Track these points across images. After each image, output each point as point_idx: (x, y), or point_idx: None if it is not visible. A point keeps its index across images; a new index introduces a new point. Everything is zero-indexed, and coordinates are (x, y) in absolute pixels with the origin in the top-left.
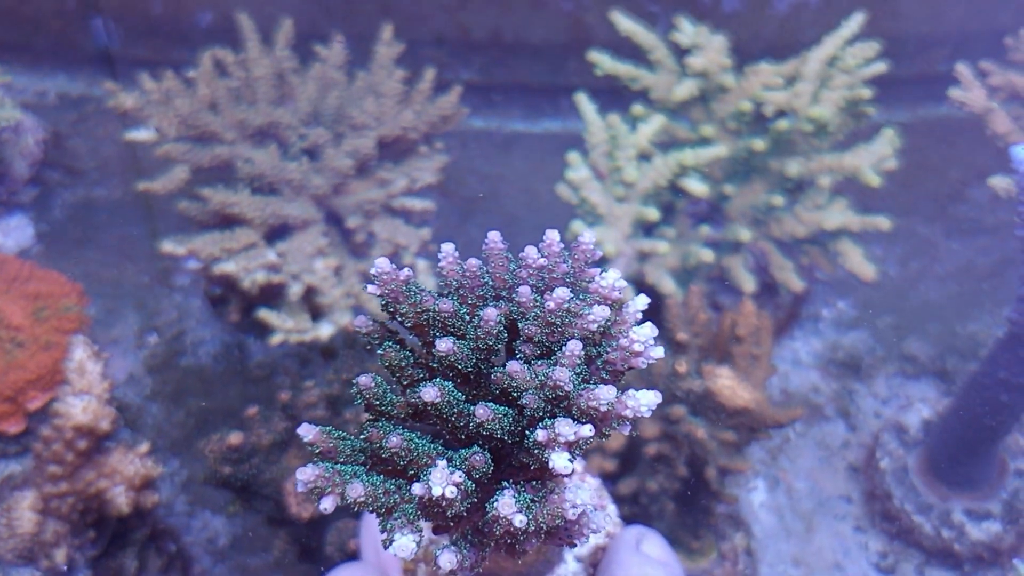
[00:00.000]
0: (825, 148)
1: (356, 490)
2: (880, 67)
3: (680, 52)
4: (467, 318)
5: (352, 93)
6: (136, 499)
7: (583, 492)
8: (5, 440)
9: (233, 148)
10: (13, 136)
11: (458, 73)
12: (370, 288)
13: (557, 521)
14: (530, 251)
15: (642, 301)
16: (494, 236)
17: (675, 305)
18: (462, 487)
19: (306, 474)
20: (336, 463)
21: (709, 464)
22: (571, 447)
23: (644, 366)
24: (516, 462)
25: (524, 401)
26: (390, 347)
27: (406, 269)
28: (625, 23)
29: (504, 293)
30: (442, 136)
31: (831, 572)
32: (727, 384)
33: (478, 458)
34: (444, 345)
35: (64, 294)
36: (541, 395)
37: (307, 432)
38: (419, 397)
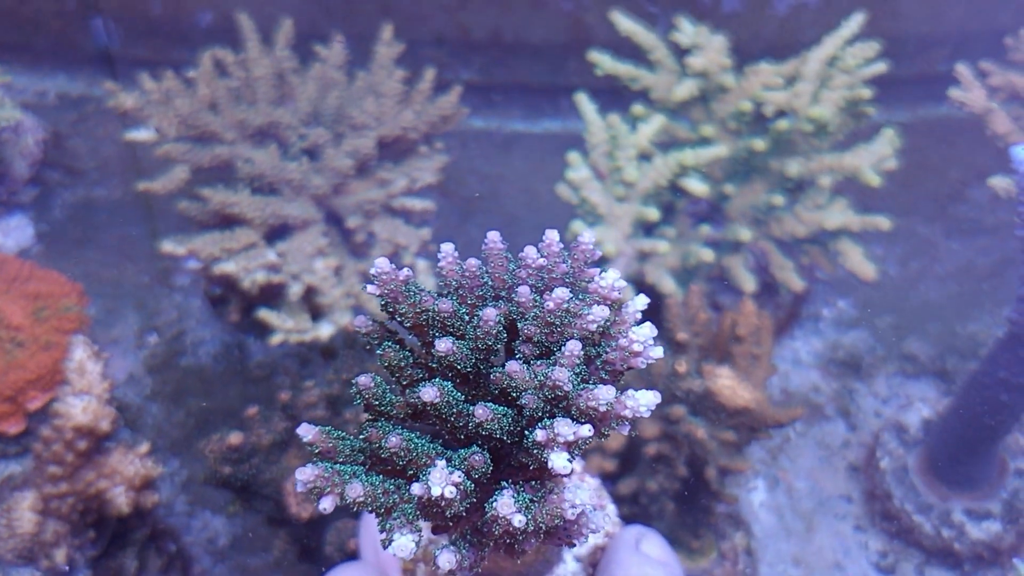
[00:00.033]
0: (825, 148)
1: (355, 490)
2: (880, 67)
3: (680, 52)
4: (466, 318)
5: (352, 93)
6: (136, 499)
7: (582, 492)
8: (5, 440)
9: (233, 148)
10: (13, 136)
11: (458, 73)
12: (370, 288)
13: (556, 521)
14: (529, 251)
15: (641, 301)
16: (493, 236)
17: (675, 305)
18: (461, 487)
19: (306, 474)
20: (335, 463)
21: (709, 464)
22: (570, 447)
23: (643, 366)
24: (515, 462)
25: (523, 401)
26: (389, 347)
27: (406, 269)
28: (625, 23)
29: (503, 293)
30: (442, 136)
31: (831, 571)
32: (727, 384)
33: (477, 458)
34: (443, 345)
35: (64, 294)
36: (540, 395)
37: (307, 432)
38: (418, 397)
